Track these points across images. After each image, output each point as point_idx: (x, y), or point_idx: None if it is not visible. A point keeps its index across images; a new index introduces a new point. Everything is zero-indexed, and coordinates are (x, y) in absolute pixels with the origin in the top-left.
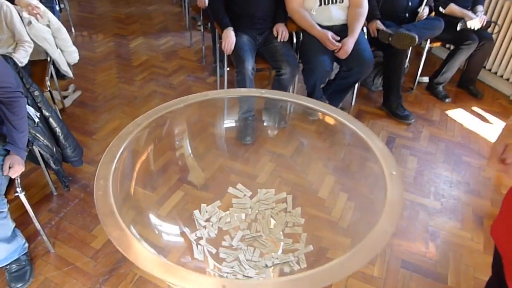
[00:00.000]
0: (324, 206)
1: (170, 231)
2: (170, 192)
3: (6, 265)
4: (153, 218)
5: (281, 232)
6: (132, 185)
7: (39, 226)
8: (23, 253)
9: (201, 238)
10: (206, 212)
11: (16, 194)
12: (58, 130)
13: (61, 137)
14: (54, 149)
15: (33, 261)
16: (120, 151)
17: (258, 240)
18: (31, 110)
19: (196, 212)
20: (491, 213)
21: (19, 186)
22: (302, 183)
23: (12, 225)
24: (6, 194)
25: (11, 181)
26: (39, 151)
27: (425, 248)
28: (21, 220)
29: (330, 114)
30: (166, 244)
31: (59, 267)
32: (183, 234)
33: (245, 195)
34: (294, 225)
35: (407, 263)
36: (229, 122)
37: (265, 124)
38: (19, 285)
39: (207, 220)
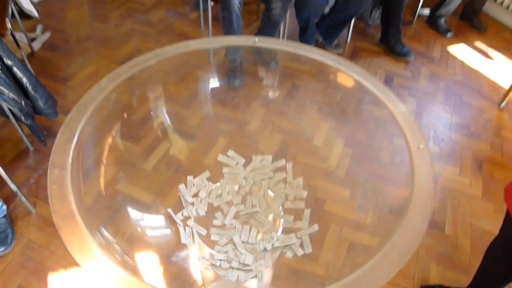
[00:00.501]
0: (319, 154)
1: (152, 221)
2: (154, 145)
3: None
4: (131, 211)
5: (280, 207)
6: (101, 174)
7: (16, 188)
8: (1, 216)
9: (188, 217)
10: (193, 185)
11: None
12: (24, 80)
13: (29, 88)
14: (23, 102)
15: (14, 223)
16: (81, 126)
17: (255, 217)
18: None
19: (181, 186)
20: (491, 157)
21: None
22: (296, 130)
23: None
24: None
25: None
26: (6, 106)
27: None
28: None
29: (348, 72)
30: (147, 235)
31: (42, 228)
32: (167, 216)
33: (237, 163)
34: (296, 198)
35: (395, 209)
36: (216, 64)
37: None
38: (1, 249)
39: (195, 195)
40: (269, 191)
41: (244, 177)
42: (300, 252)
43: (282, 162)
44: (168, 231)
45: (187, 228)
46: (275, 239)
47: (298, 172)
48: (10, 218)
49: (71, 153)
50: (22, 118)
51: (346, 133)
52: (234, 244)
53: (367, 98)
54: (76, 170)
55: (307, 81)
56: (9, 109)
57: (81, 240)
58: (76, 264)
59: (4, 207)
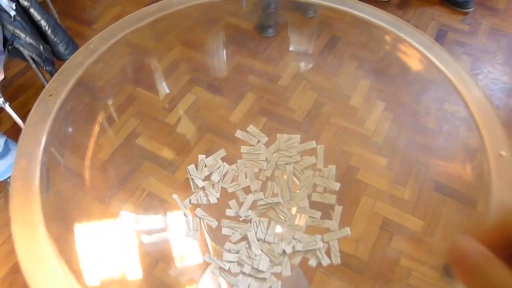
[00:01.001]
0: (356, 116)
1: (150, 218)
2: (179, 96)
3: (7, 178)
4: (124, 215)
5: (306, 200)
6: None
7: None
8: None
9: (197, 205)
10: (205, 166)
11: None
12: (43, 23)
13: (49, 32)
14: (41, 47)
15: None
16: (60, 100)
17: (275, 208)
18: (3, 2)
19: (190, 167)
20: None
21: (2, 96)
22: (331, 88)
23: (1, 139)
24: None
25: None
26: (25, 52)
27: (464, 170)
28: (16, 129)
29: (406, 39)
30: (143, 232)
31: (68, 179)
32: (171, 204)
33: (259, 141)
34: (325, 190)
35: (442, 185)
36: (248, 11)
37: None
38: None
39: (206, 178)
40: (294, 178)
41: (266, 159)
42: (326, 262)
43: (312, 144)
44: (170, 223)
45: (194, 219)
46: (297, 239)
47: (330, 142)
48: None
49: (44, 139)
50: (42, 64)
51: (388, 94)
52: (248, 242)
53: (414, 58)
54: (50, 160)
55: (347, 33)
56: (29, 56)
57: (42, 262)
58: (99, 217)
59: None
